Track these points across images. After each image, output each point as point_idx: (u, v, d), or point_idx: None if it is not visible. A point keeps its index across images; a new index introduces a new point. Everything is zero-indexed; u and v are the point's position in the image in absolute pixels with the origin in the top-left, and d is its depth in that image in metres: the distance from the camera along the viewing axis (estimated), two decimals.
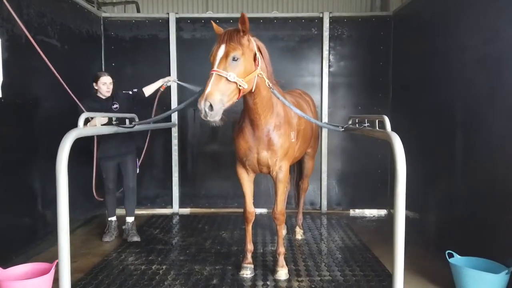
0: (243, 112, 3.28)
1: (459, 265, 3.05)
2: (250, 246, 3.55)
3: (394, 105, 5.60)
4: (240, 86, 2.67)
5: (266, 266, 3.68)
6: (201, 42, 5.63)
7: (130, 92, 4.51)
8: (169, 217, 5.54)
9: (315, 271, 3.57)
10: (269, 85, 2.95)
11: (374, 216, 5.70)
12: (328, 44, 5.60)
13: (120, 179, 4.57)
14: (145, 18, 5.79)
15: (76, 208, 4.59)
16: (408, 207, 2.62)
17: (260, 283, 3.31)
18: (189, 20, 5.70)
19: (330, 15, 5.58)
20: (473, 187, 3.51)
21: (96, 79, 4.23)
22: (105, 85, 4.20)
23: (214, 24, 2.94)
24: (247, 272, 3.45)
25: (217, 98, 2.55)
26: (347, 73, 5.71)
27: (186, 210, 5.79)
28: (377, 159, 5.68)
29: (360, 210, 5.81)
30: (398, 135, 2.57)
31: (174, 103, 5.61)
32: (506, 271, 2.85)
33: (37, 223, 4.09)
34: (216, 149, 5.81)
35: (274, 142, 3.19)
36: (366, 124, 3.27)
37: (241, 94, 2.75)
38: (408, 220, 2.77)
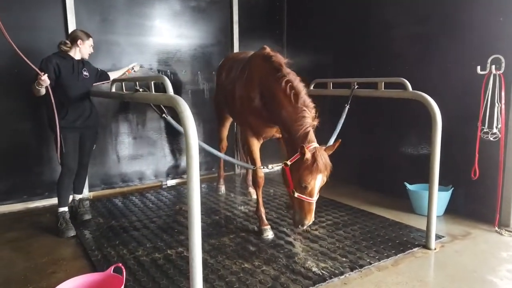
0: None
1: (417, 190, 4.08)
2: (263, 209, 3.61)
3: None
4: None
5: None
6: None
7: (98, 69, 4.01)
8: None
9: None
10: None
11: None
12: (237, 7, 5.63)
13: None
14: None
15: None
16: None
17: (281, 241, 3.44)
18: None
19: None
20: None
21: (87, 37, 3.70)
22: (91, 48, 3.78)
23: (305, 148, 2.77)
24: (269, 233, 3.52)
25: None
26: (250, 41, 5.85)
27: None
28: None
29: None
30: None
31: None
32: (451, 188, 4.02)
33: None
34: None
35: None
36: (356, 87, 3.82)
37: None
38: None
